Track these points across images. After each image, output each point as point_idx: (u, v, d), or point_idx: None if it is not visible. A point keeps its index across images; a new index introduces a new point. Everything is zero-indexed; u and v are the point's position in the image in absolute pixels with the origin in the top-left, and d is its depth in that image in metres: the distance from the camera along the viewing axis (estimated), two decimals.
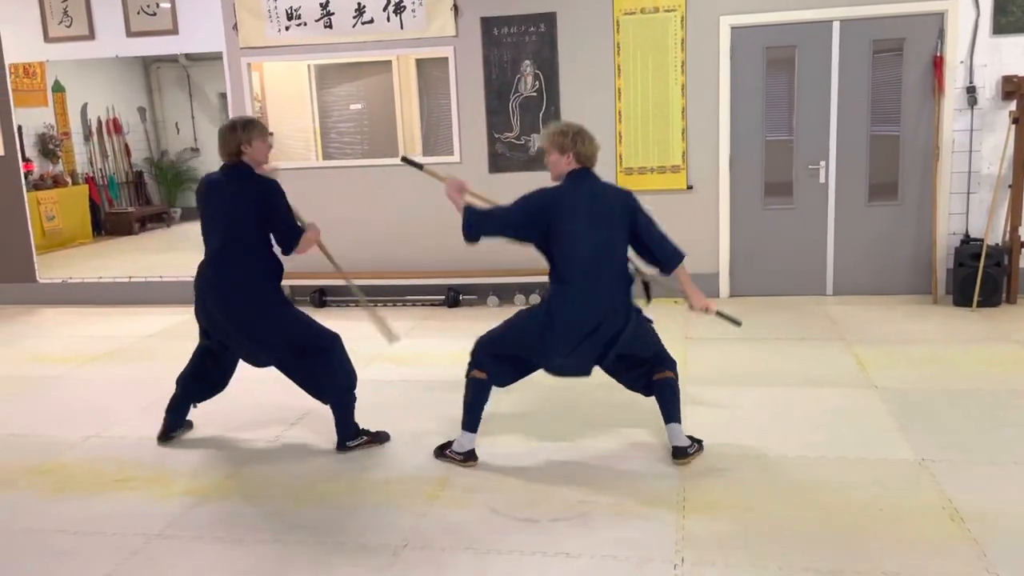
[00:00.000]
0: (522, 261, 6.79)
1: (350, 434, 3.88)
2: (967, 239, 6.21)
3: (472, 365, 3.65)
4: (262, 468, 3.74)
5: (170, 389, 4.21)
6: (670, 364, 3.66)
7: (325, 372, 3.82)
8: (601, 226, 3.48)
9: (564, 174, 3.57)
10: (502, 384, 3.69)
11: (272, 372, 4.25)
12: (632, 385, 3.71)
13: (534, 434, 3.97)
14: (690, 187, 6.52)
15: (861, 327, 5.65)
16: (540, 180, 6.66)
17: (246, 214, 3.70)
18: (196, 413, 4.29)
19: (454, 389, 4.56)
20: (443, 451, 3.72)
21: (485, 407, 3.66)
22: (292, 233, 3.78)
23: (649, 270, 3.82)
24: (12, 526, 3.27)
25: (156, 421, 4.30)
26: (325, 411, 4.39)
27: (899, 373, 4.66)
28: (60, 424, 4.35)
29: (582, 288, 3.46)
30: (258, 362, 3.92)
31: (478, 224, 3.57)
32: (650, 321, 3.73)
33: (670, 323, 5.95)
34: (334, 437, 3.96)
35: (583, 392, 4.52)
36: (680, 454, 3.57)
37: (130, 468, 3.79)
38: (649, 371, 3.64)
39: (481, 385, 3.62)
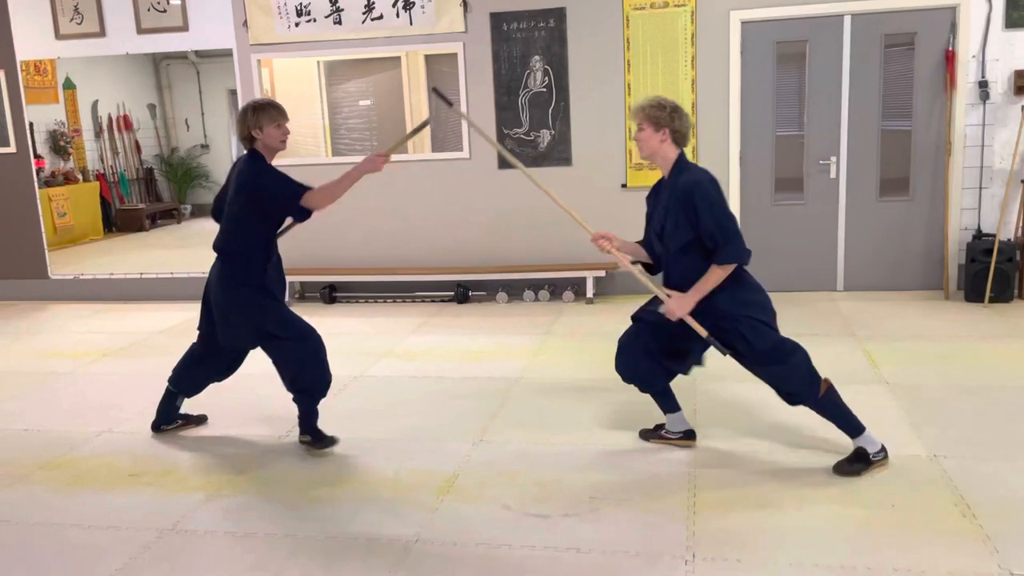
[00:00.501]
0: (531, 257, 6.80)
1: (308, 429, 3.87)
2: (979, 234, 6.17)
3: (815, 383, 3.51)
4: (273, 463, 3.76)
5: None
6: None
7: (298, 359, 3.79)
8: (660, 218, 3.54)
9: (661, 156, 3.39)
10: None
11: None
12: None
13: (545, 430, 3.97)
14: None
15: (872, 323, 5.63)
16: (548, 175, 6.73)
17: (235, 199, 3.72)
18: (208, 409, 4.32)
19: (463, 385, 4.58)
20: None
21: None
22: (290, 203, 3.70)
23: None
24: (27, 520, 3.29)
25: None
26: (337, 407, 4.41)
27: (910, 369, 4.64)
28: (73, 419, 4.38)
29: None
30: (229, 342, 3.88)
31: (743, 244, 3.34)
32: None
33: None
34: (345, 434, 3.98)
35: (593, 389, 4.53)
36: (689, 435, 3.71)
37: (143, 463, 3.81)
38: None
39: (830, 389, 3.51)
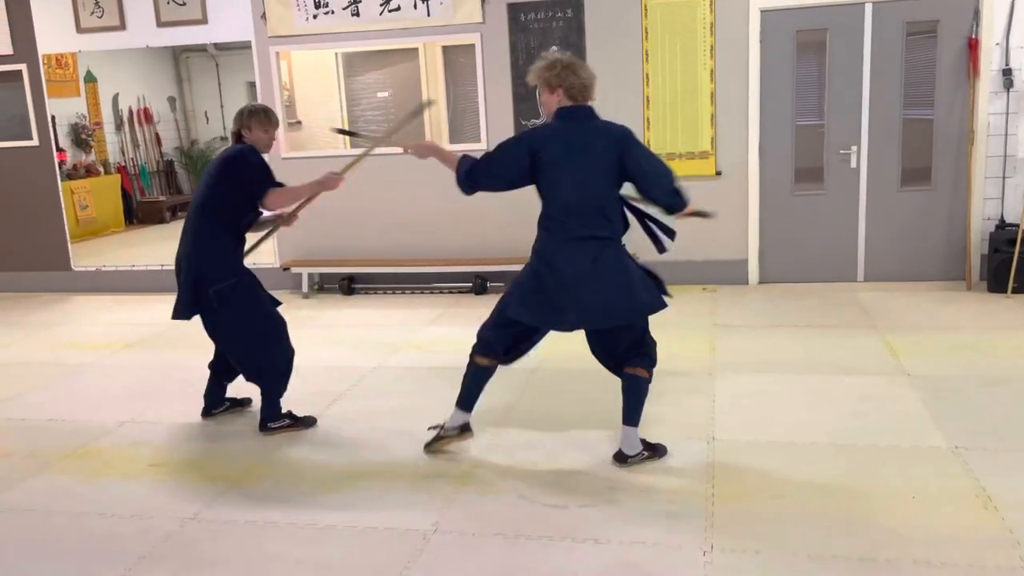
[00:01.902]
0: None
1: (273, 415, 3.98)
2: (1002, 224, 6.10)
3: (475, 348, 3.52)
4: (293, 453, 3.78)
5: (202, 375, 4.28)
6: (647, 361, 3.44)
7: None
8: (590, 168, 3.23)
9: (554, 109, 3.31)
10: (510, 361, 3.56)
11: (304, 360, 4.30)
12: (605, 362, 3.53)
13: (562, 420, 3.97)
14: (719, 173, 6.47)
15: (893, 314, 5.58)
16: None
17: (207, 182, 3.90)
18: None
19: None
20: (438, 435, 3.62)
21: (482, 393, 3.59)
22: (256, 196, 3.87)
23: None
24: (51, 509, 3.34)
25: (189, 407, 4.38)
26: (355, 397, 4.44)
27: (932, 360, 4.60)
28: (95, 410, 4.43)
29: (567, 234, 3.24)
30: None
31: (472, 175, 3.35)
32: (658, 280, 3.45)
33: (698, 310, 5.93)
34: (364, 423, 4.00)
35: (610, 379, 4.52)
36: (620, 458, 3.43)
37: (164, 453, 3.85)
38: (624, 356, 3.41)
39: (482, 371, 3.51)
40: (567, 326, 3.42)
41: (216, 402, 4.26)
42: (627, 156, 3.25)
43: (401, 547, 2.91)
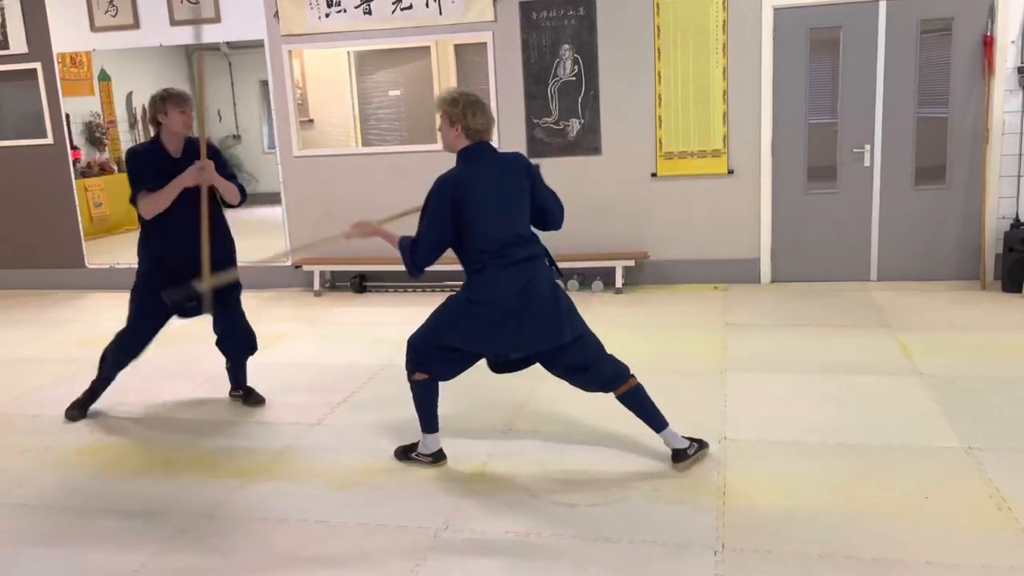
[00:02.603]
0: (560, 247, 6.79)
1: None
2: (1017, 223, 6.05)
3: (411, 367, 3.47)
4: (305, 450, 3.80)
5: (214, 371, 4.32)
6: (623, 369, 3.44)
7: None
8: (512, 199, 3.33)
9: (457, 151, 3.36)
10: (445, 379, 3.50)
11: (315, 358, 4.33)
12: (589, 387, 3.46)
13: (573, 420, 3.97)
14: (731, 171, 6.45)
15: (906, 313, 5.55)
16: (579, 165, 6.72)
17: None
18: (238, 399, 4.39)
19: (491, 374, 4.59)
20: (407, 453, 3.60)
21: (439, 404, 3.55)
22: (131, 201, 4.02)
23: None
24: (66, 505, 3.37)
25: (201, 403, 4.41)
26: (366, 395, 4.46)
27: (945, 360, 4.58)
28: (110, 406, 4.46)
29: (504, 265, 3.27)
30: None
31: (420, 258, 3.38)
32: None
33: (710, 309, 5.92)
34: (375, 422, 4.02)
35: None
36: (680, 456, 3.41)
37: (177, 450, 3.88)
38: (599, 375, 3.40)
39: (426, 386, 3.48)
40: (511, 351, 3.43)
41: (236, 382, 4.46)
42: (535, 186, 3.41)
43: (412, 545, 2.92)
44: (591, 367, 3.41)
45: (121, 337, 4.25)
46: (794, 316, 5.66)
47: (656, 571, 2.70)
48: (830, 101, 6.36)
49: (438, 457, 3.56)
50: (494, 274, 3.29)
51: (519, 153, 3.55)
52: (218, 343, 4.38)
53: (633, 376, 3.45)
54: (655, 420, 3.45)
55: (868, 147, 6.29)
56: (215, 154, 4.08)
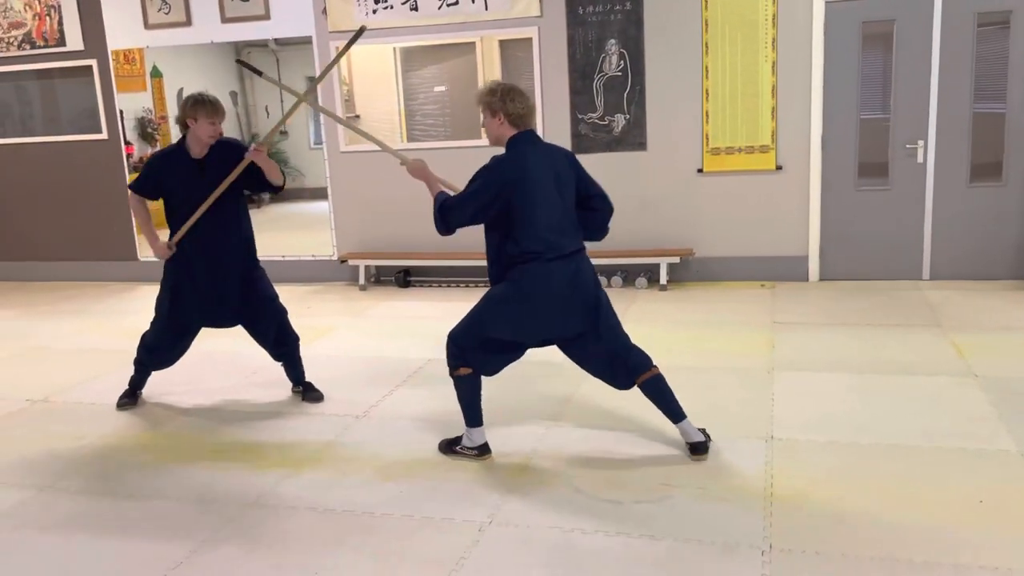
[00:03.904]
0: (604, 243, 6.74)
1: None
2: None
3: (454, 362, 3.47)
4: (351, 442, 3.84)
5: (261, 363, 4.38)
6: (644, 357, 3.48)
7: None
8: (561, 187, 3.35)
9: (505, 140, 3.37)
10: (490, 373, 3.52)
11: (361, 351, 4.37)
12: (612, 376, 3.50)
13: (618, 415, 3.95)
14: (779, 167, 6.36)
15: (960, 313, 5.42)
16: (624, 160, 6.68)
17: None
18: (287, 390, 4.45)
19: (535, 369, 4.60)
20: (451, 447, 3.61)
21: (482, 397, 3.57)
22: None
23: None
24: (118, 491, 3.45)
25: (252, 394, 4.48)
26: (410, 389, 4.48)
27: (1000, 361, 4.46)
28: (160, 396, 4.56)
29: (554, 257, 3.30)
30: None
31: (453, 220, 3.36)
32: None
33: (757, 307, 5.85)
34: (420, 415, 4.05)
35: (666, 376, 4.49)
36: (701, 449, 3.44)
37: (226, 440, 3.94)
38: (624, 363, 3.44)
39: (470, 381, 3.49)
40: (555, 338, 3.47)
41: (293, 380, 4.49)
42: (579, 176, 3.45)
43: (457, 538, 2.93)
44: (617, 356, 3.45)
45: (147, 345, 4.39)
46: (844, 315, 5.56)
47: (703, 571, 2.68)
48: (882, 96, 6.23)
49: (483, 451, 3.57)
50: (545, 266, 3.30)
51: (563, 148, 3.55)
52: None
53: (655, 366, 3.48)
54: (674, 411, 3.49)
55: (922, 143, 6.15)
56: (239, 150, 4.10)
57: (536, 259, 3.30)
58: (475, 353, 3.45)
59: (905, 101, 6.14)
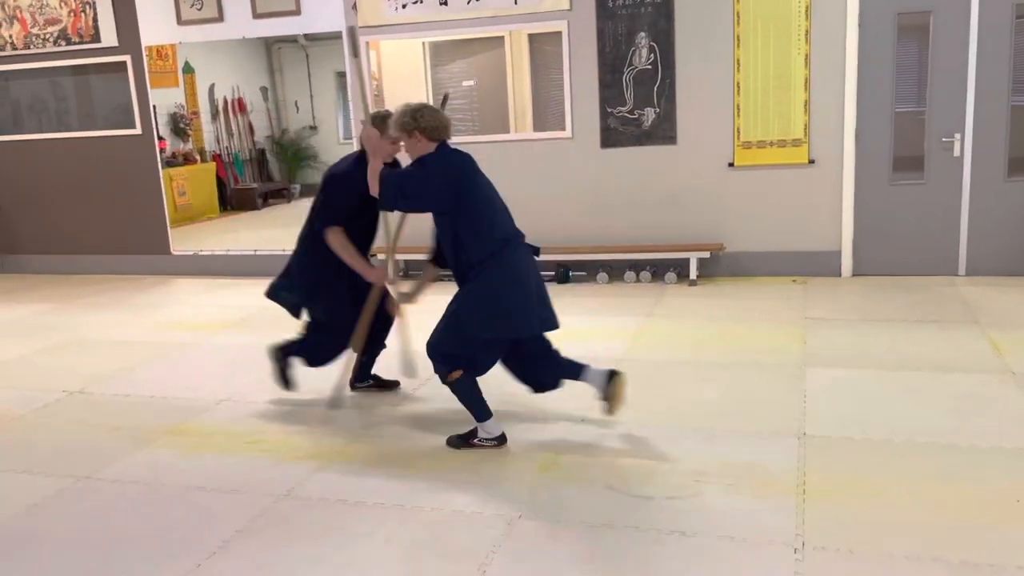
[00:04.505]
0: (633, 237, 6.73)
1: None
2: None
3: (444, 368, 3.50)
4: (381, 436, 3.86)
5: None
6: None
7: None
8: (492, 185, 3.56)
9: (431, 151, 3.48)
10: (482, 373, 3.55)
11: (392, 343, 4.38)
12: (543, 376, 3.70)
13: (647, 412, 3.94)
14: (812, 161, 6.29)
15: (997, 310, 5.33)
16: (653, 155, 6.64)
17: None
18: (322, 381, 4.47)
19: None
20: (467, 440, 3.62)
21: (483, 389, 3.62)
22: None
23: None
24: (154, 482, 3.50)
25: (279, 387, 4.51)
26: (439, 385, 4.49)
27: None
28: (195, 388, 4.62)
29: (519, 247, 3.48)
30: None
31: (405, 203, 3.49)
32: None
33: (788, 302, 5.79)
34: (451, 408, 4.06)
35: (696, 372, 4.46)
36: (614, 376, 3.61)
37: (260, 431, 3.98)
38: (556, 362, 3.64)
39: (466, 381, 3.52)
40: (537, 328, 3.56)
41: (360, 376, 4.42)
42: None
43: (487, 532, 2.94)
44: (551, 354, 3.65)
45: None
46: (877, 310, 5.49)
47: (735, 568, 2.66)
48: (918, 88, 6.13)
49: (502, 440, 3.61)
50: (513, 252, 3.44)
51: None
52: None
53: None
54: (574, 370, 3.65)
55: (958, 136, 6.05)
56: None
57: (501, 249, 3.41)
58: (465, 357, 3.49)
59: (941, 94, 6.04)
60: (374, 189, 3.48)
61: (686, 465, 3.37)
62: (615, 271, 6.79)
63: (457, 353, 3.48)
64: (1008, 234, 6.09)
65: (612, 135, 6.64)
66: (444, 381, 3.55)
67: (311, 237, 4.04)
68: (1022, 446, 3.39)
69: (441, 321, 3.54)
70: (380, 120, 3.83)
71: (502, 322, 3.43)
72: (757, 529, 2.85)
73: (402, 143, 3.57)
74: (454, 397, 3.75)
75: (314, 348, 4.25)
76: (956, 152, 6.08)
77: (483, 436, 3.61)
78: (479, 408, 3.58)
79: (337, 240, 3.91)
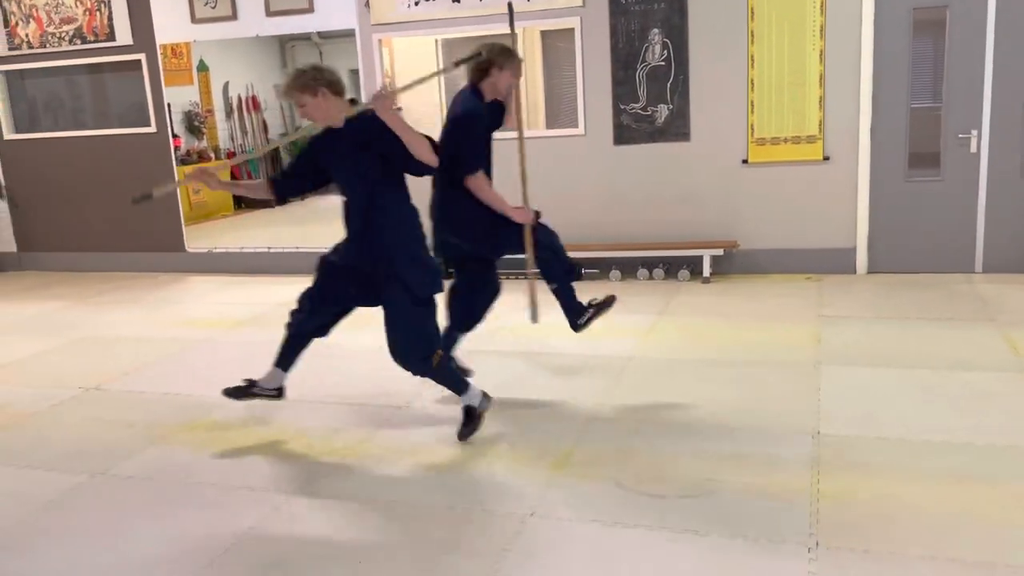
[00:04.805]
0: (646, 235, 6.71)
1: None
2: None
3: (426, 358, 3.55)
4: (393, 433, 3.87)
5: (308, 354, 4.40)
6: None
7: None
8: None
9: (339, 113, 3.34)
10: (440, 343, 3.71)
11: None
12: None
13: (659, 409, 3.93)
14: (826, 158, 6.25)
15: (1014, 308, 5.28)
16: (666, 152, 6.61)
17: None
18: (335, 378, 4.49)
19: (576, 362, 4.59)
20: (473, 420, 3.70)
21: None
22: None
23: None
24: (168, 478, 3.52)
25: (296, 384, 4.51)
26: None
27: None
28: (210, 385, 4.62)
29: None
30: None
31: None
32: None
33: (802, 300, 5.76)
34: (448, 408, 4.06)
35: (709, 369, 4.45)
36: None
37: (273, 428, 4.00)
38: None
39: (443, 362, 3.65)
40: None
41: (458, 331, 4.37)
42: None
43: (499, 530, 2.94)
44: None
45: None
46: (893, 308, 5.45)
47: (748, 567, 2.65)
48: (934, 84, 6.08)
49: (486, 398, 3.72)
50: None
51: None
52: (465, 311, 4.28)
53: None
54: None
55: (975, 133, 6.00)
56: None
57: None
58: (427, 336, 3.54)
59: (958, 89, 5.99)
60: (419, 150, 3.28)
61: (699, 463, 3.35)
62: (628, 268, 6.77)
63: (423, 338, 3.52)
64: None
65: (625, 132, 6.62)
66: (429, 371, 3.60)
67: (454, 184, 3.88)
68: None
69: (391, 328, 3.53)
70: (500, 53, 3.89)
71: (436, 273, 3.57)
72: (770, 529, 2.84)
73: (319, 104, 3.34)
74: (442, 401, 3.79)
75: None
76: (973, 148, 6.02)
77: (479, 408, 3.70)
78: (460, 383, 3.68)
79: (482, 185, 3.82)
